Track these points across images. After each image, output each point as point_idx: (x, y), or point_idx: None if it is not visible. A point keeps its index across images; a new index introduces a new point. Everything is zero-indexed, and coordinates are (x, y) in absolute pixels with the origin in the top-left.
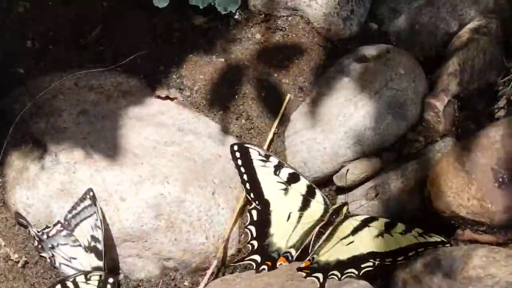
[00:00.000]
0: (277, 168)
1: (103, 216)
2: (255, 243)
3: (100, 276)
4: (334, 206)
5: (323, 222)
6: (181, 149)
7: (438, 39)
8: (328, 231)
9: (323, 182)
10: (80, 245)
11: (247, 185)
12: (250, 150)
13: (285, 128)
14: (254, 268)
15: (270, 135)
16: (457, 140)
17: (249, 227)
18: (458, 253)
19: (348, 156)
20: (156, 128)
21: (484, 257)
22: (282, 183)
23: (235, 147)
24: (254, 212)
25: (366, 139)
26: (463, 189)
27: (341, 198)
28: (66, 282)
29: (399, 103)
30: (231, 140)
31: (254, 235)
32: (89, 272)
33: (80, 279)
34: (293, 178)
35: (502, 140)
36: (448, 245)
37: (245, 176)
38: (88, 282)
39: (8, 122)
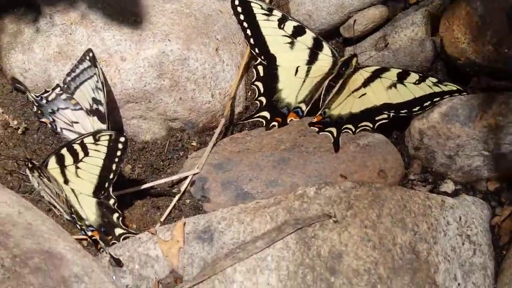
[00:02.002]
0: (281, 21)
1: (104, 78)
2: (263, 99)
3: (110, 135)
4: (343, 58)
5: (333, 75)
6: (180, 6)
7: None
8: (339, 84)
9: (329, 35)
10: (81, 109)
11: (251, 40)
12: (252, 4)
13: None
14: (264, 125)
15: None
16: None
17: (256, 83)
18: (476, 101)
19: (354, 6)
20: None
21: (503, 104)
22: (287, 36)
23: (236, 2)
24: (260, 68)
25: None
26: (478, 35)
27: (349, 50)
28: (73, 145)
29: None
30: None
31: (262, 91)
32: (98, 132)
33: (89, 140)
34: (299, 31)
35: None
36: (465, 93)
37: (248, 31)
38: (97, 143)
39: None
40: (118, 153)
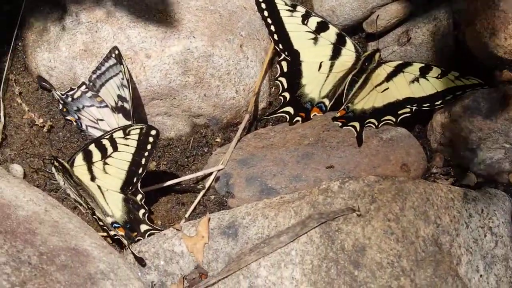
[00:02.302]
0: (305, 17)
1: (130, 75)
2: (287, 94)
3: (141, 128)
4: (366, 53)
5: (356, 70)
6: (205, 3)
7: None
8: (362, 79)
9: (352, 30)
10: (106, 106)
11: (275, 36)
12: (276, 0)
13: None
14: (288, 120)
15: None
16: None
17: (279, 79)
18: (497, 94)
19: (377, 1)
20: None
21: None
22: (311, 32)
23: None
24: (284, 64)
25: None
26: (500, 29)
27: (372, 45)
28: (102, 140)
29: None
30: None
31: (286, 86)
32: (128, 126)
33: (118, 135)
34: (322, 26)
35: None
36: (487, 87)
37: (272, 27)
38: (127, 137)
39: None
40: (149, 146)
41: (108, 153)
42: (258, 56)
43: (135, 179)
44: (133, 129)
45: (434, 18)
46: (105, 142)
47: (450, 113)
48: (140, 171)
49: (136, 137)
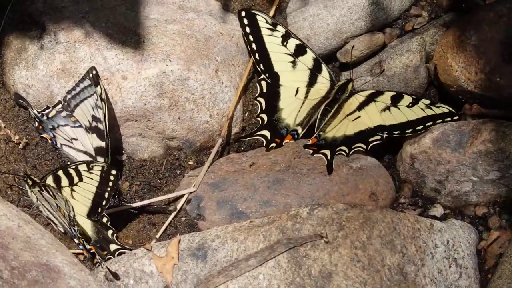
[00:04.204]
0: (285, 38)
1: (106, 96)
2: (264, 117)
3: (103, 167)
4: (340, 83)
5: (329, 100)
6: (182, 27)
7: None
8: (334, 109)
9: (327, 59)
10: (81, 126)
11: (257, 55)
12: (258, 17)
13: (286, 5)
14: (264, 145)
15: (272, 12)
16: (463, 14)
17: (258, 98)
18: (466, 127)
19: (352, 32)
20: (156, 6)
21: (494, 131)
22: (290, 55)
23: (243, 13)
24: (263, 83)
25: (369, 14)
26: (471, 63)
27: (345, 75)
28: (69, 169)
29: None
30: (232, 17)
31: (264, 108)
32: (91, 162)
33: (83, 168)
34: (300, 50)
35: (510, 13)
36: (457, 117)
37: (254, 45)
38: (91, 171)
39: (4, 2)
40: (110, 183)
41: (75, 182)
42: (232, 81)
43: (99, 209)
44: (96, 165)
45: (407, 50)
46: (72, 171)
47: (420, 144)
48: (103, 203)
49: (99, 173)
